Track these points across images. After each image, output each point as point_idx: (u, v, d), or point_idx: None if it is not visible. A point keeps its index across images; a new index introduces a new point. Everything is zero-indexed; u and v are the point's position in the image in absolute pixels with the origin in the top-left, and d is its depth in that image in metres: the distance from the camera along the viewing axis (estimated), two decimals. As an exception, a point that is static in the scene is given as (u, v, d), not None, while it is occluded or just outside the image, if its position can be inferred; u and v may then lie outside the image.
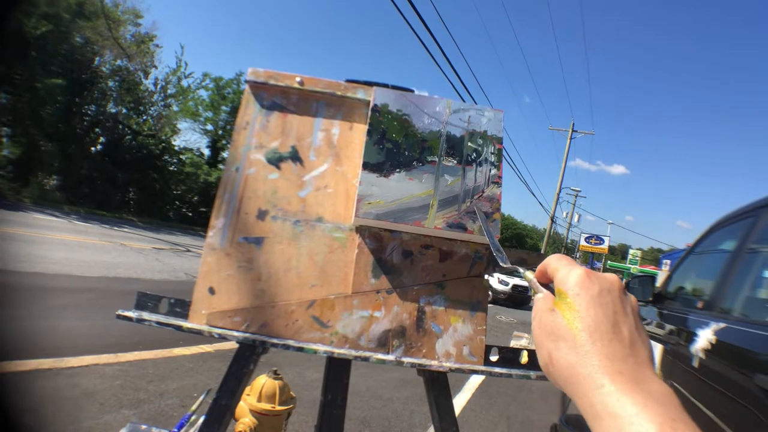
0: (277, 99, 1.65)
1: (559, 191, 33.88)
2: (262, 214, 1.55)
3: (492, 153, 1.61)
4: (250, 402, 2.60)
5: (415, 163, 1.55)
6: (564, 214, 45.90)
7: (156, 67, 27.59)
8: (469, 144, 1.60)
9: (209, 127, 33.00)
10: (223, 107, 32.69)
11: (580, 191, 48.13)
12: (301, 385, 3.28)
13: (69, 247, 10.74)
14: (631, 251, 55.67)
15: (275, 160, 1.60)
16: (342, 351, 1.47)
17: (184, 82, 30.01)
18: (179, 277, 10.24)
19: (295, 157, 1.60)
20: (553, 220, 34.92)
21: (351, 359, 1.50)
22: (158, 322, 1.46)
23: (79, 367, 4.18)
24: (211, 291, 1.49)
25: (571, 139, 32.96)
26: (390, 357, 1.48)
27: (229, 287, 1.49)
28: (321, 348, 1.46)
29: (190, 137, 44.13)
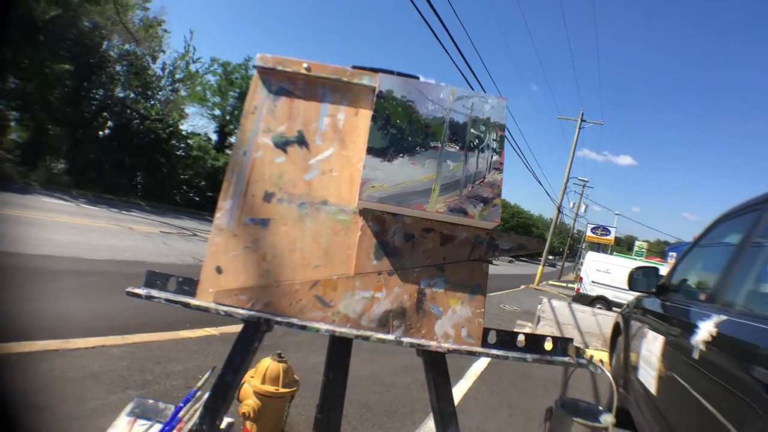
0: (285, 84, 1.68)
1: (567, 181, 33.70)
2: (268, 197, 1.59)
3: (494, 139, 1.64)
4: (254, 384, 2.63)
5: (418, 148, 1.58)
6: (571, 204, 45.69)
7: (164, 51, 27.39)
8: (472, 130, 1.63)
9: (217, 112, 32.97)
10: (231, 92, 32.61)
11: (587, 181, 47.89)
12: (304, 368, 3.31)
13: (77, 231, 10.78)
14: (637, 243, 55.19)
15: (282, 144, 1.63)
16: (343, 330, 1.51)
17: (192, 67, 29.84)
18: (186, 261, 10.27)
19: (301, 141, 1.64)
20: (559, 209, 34.78)
21: (352, 338, 1.54)
22: (167, 299, 1.51)
23: (86, 348, 4.20)
24: (218, 270, 1.54)
25: (579, 128, 32.74)
26: (390, 337, 1.52)
27: (236, 267, 1.54)
28: (323, 327, 1.50)
29: (197, 122, 44.11)
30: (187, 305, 1.49)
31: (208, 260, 1.54)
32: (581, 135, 33.05)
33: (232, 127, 32.76)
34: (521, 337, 1.67)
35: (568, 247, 53.81)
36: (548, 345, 1.69)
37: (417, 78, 1.71)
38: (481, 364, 6.30)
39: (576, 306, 9.76)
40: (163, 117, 27.06)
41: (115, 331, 4.78)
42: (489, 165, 1.61)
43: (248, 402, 2.69)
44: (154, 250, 10.85)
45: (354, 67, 1.71)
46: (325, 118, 1.67)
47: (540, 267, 30.70)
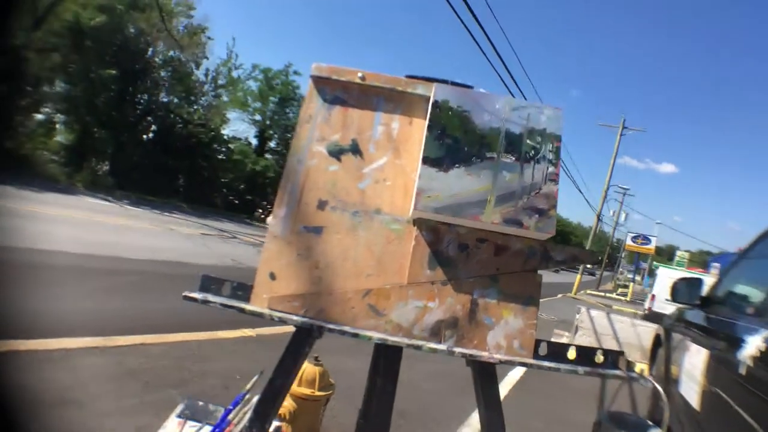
0: (339, 93, 1.70)
1: (607, 188, 33.19)
2: (322, 205, 1.61)
3: (550, 151, 1.63)
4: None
5: (474, 158, 1.57)
6: (611, 212, 44.90)
7: (207, 58, 27.98)
8: (528, 141, 1.62)
9: (257, 117, 33.41)
10: (271, 98, 33.00)
11: (628, 189, 46.95)
12: (339, 372, 3.31)
13: (119, 231, 11.04)
14: (678, 253, 53.84)
15: (336, 153, 1.65)
16: (395, 339, 1.52)
17: (234, 73, 30.40)
18: (225, 263, 10.42)
19: (355, 150, 1.65)
20: (599, 218, 34.28)
21: (403, 347, 1.54)
22: (222, 304, 1.53)
23: (125, 346, 4.27)
24: (272, 276, 1.56)
25: (621, 135, 32.23)
26: (442, 346, 1.52)
27: (289, 273, 1.56)
28: (375, 335, 1.51)
29: (238, 127, 44.66)
30: (242, 310, 1.51)
31: (263, 266, 1.57)
32: (622, 142, 32.47)
33: (271, 131, 33.14)
34: (572, 350, 1.65)
35: (607, 256, 52.85)
36: (599, 358, 1.67)
37: (471, 88, 1.71)
38: (517, 373, 6.23)
39: (615, 316, 9.60)
40: (206, 122, 27.58)
41: (154, 330, 4.85)
42: (545, 176, 1.60)
43: (284, 404, 2.72)
44: (195, 251, 11.02)
45: (408, 77, 1.72)
46: (379, 126, 1.68)
47: (578, 276, 30.29)
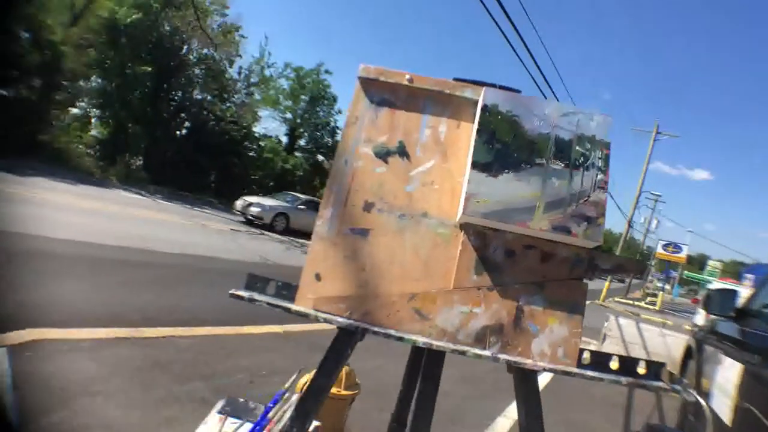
0: (386, 95, 1.70)
1: (639, 195, 32.69)
2: (368, 207, 1.61)
3: (599, 158, 1.60)
4: None
5: (523, 164, 1.56)
6: (642, 219, 44.18)
7: (240, 56, 28.27)
8: (577, 148, 1.60)
9: (288, 115, 33.66)
10: (302, 96, 33.24)
11: (660, 196, 46.18)
12: (364, 372, 3.32)
13: (152, 225, 11.21)
14: (710, 262, 52.71)
15: (383, 155, 1.65)
16: (440, 344, 1.51)
17: (267, 72, 30.74)
18: (254, 259, 10.52)
19: (402, 152, 1.65)
20: (630, 224, 33.78)
21: (447, 352, 1.54)
22: (268, 303, 1.54)
23: (155, 338, 4.34)
24: (318, 277, 1.57)
25: (654, 141, 31.72)
26: (486, 353, 1.51)
27: (335, 275, 1.56)
28: (420, 339, 1.50)
29: (269, 125, 45.20)
30: (288, 310, 1.52)
31: (308, 266, 1.57)
32: (655, 147, 31.92)
33: (301, 130, 33.36)
34: (615, 360, 1.63)
35: (636, 264, 51.69)
36: (641, 369, 1.64)
37: (519, 92, 1.69)
38: (541, 379, 6.17)
39: (643, 325, 9.47)
40: (238, 119, 27.88)
41: (183, 323, 4.93)
42: (594, 184, 1.58)
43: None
44: (224, 246, 11.15)
45: (455, 80, 1.71)
46: (426, 129, 1.67)
47: (606, 283, 29.86)
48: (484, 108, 1.61)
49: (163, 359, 3.94)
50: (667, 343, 8.81)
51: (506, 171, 1.55)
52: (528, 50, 9.15)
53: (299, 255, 13.74)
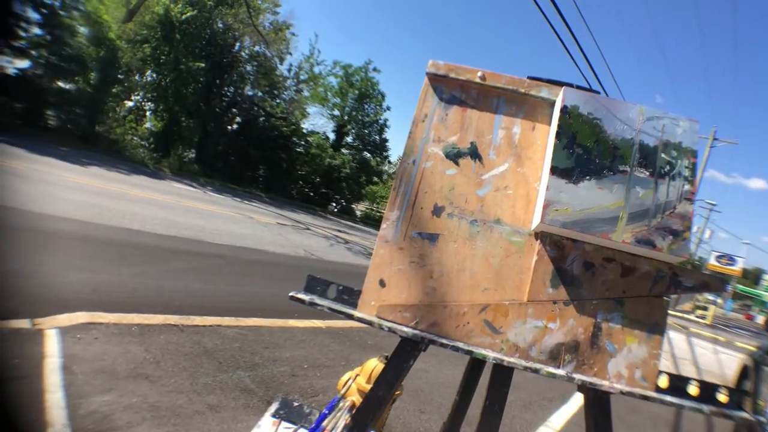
0: (456, 93, 1.61)
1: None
2: (438, 210, 1.52)
3: (686, 167, 1.49)
4: (358, 382, 2.62)
5: (605, 171, 1.45)
6: (695, 228, 42.80)
7: (291, 53, 28.71)
8: (663, 155, 1.48)
9: (336, 112, 33.98)
10: (350, 94, 33.52)
11: (715, 205, 44.64)
12: (409, 373, 3.26)
13: (202, 216, 11.36)
14: (766, 277, 50.68)
15: (453, 156, 1.56)
16: (512, 360, 1.42)
17: (316, 69, 31.10)
18: (299, 253, 10.56)
19: (474, 153, 1.56)
20: (687, 234, 32.65)
21: (519, 369, 1.45)
22: (330, 308, 1.48)
23: (203, 326, 4.38)
24: (382, 283, 1.49)
25: (710, 147, 30.71)
26: (560, 372, 1.41)
27: (400, 281, 1.48)
28: (491, 354, 1.42)
29: (317, 121, 45.74)
30: (350, 317, 1.46)
31: (372, 272, 1.50)
32: (710, 154, 30.89)
33: (349, 127, 33.66)
34: (694, 385, 1.52)
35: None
36: (723, 397, 1.52)
37: (598, 93, 1.59)
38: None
39: (696, 340, 9.16)
40: (287, 115, 28.34)
41: (230, 313, 4.98)
42: (680, 194, 1.46)
43: (351, 398, 2.69)
44: (271, 239, 11.23)
45: (530, 78, 1.61)
46: (499, 130, 1.58)
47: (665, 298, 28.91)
48: (564, 109, 1.51)
49: (210, 347, 3.98)
50: (720, 361, 8.51)
51: (587, 178, 1.44)
52: (578, 45, 8.89)
53: (343, 250, 13.81)
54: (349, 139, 34.35)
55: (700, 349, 8.85)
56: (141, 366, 3.29)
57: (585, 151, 1.46)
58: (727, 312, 50.67)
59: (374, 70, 33.53)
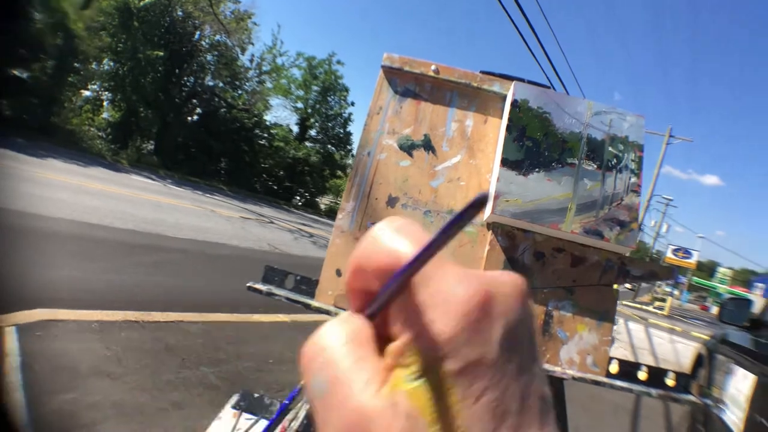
0: (411, 86, 1.63)
1: (650, 198, 32.57)
2: (392, 201, 1.55)
3: (632, 160, 1.54)
4: None
5: (554, 164, 1.49)
6: (652, 223, 43.96)
7: (252, 44, 28.43)
8: (610, 149, 1.53)
9: (299, 104, 33.80)
10: (314, 86, 33.39)
11: (672, 200, 45.90)
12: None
13: (162, 209, 11.21)
14: (720, 269, 52.58)
15: (407, 148, 1.58)
16: None
17: (279, 60, 30.88)
18: (263, 247, 10.51)
19: (427, 146, 1.59)
20: (640, 227, 33.58)
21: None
22: (287, 298, 1.49)
23: (165, 322, 4.35)
24: (339, 273, 1.51)
25: (666, 144, 31.59)
26: None
27: None
28: None
29: (280, 113, 45.46)
30: (308, 306, 1.47)
31: (329, 261, 1.52)
32: (667, 151, 31.81)
33: (312, 120, 33.53)
34: (643, 370, 1.57)
35: (644, 268, 51.57)
36: (670, 381, 1.58)
37: (549, 88, 1.63)
38: (553, 382, 6.13)
39: (652, 330, 9.42)
40: (249, 107, 28.07)
41: (193, 308, 4.94)
42: (627, 186, 1.51)
43: None
44: (234, 233, 11.16)
45: (482, 72, 1.65)
46: (452, 123, 1.61)
47: (615, 286, 29.71)
48: (514, 103, 1.54)
49: (172, 343, 3.95)
50: (676, 350, 8.76)
51: (537, 170, 1.48)
52: (539, 41, 9.00)
53: (307, 244, 13.80)
54: (312, 132, 34.25)
55: (658, 339, 9.12)
56: (103, 363, 3.26)
57: (534, 144, 1.50)
58: (683, 303, 52.26)
59: (338, 62, 33.49)
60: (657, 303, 37.67)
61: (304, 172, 30.59)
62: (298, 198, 32.37)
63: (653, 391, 1.52)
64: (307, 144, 33.24)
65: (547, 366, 1.46)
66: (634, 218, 1.49)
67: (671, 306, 33.81)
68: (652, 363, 8.57)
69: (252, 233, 12.20)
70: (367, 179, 1.56)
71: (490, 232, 1.51)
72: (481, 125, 1.61)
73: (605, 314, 1.51)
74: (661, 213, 46.08)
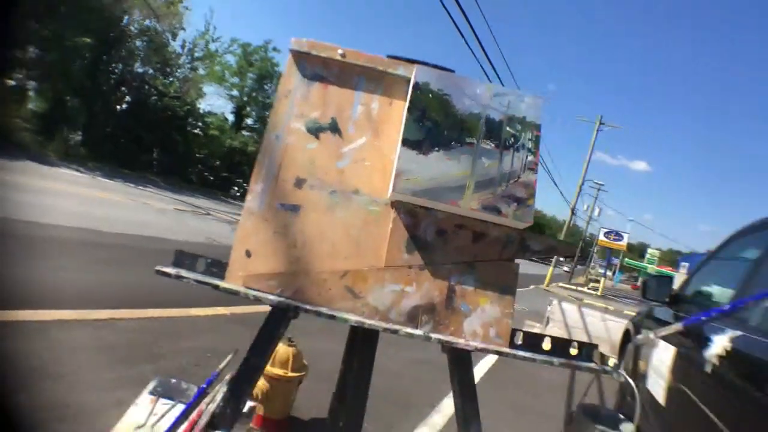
0: (319, 70, 1.66)
1: (582, 183, 33.57)
2: (299, 182, 1.58)
3: (529, 139, 1.61)
4: None
5: (453, 143, 1.55)
6: (585, 207, 45.37)
7: (184, 29, 27.55)
8: (508, 129, 1.60)
9: (234, 92, 33.16)
10: (250, 74, 32.79)
11: (603, 185, 47.48)
12: (312, 354, 3.31)
13: (92, 203, 10.86)
14: (649, 251, 55.06)
15: (315, 130, 1.62)
16: (372, 322, 1.50)
17: (212, 46, 30.12)
18: (199, 240, 10.33)
19: (334, 128, 1.62)
20: (573, 211, 34.61)
21: (380, 331, 1.53)
22: (196, 280, 1.50)
23: (102, 320, 4.23)
24: (248, 254, 1.53)
25: (597, 131, 32.64)
26: (418, 332, 1.51)
27: (266, 251, 1.53)
28: (352, 318, 1.49)
29: (214, 102, 44.44)
30: (216, 287, 1.49)
31: (238, 243, 1.54)
32: (597, 137, 32.86)
33: (249, 108, 32.90)
34: (547, 341, 1.65)
35: (580, 251, 53.63)
36: (574, 350, 1.67)
37: (452, 72, 1.68)
38: (487, 362, 6.29)
39: (586, 309, 9.73)
40: (181, 95, 27.21)
41: (130, 305, 4.83)
42: (524, 165, 1.58)
43: (257, 384, 2.72)
44: (168, 226, 10.92)
45: (389, 57, 1.69)
46: (359, 106, 1.65)
47: (551, 268, 30.70)
48: (416, 86, 1.59)
49: (112, 341, 3.87)
50: (608, 327, 9.07)
51: (436, 149, 1.54)
52: (473, 29, 9.18)
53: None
54: (249, 121, 33.64)
55: (590, 318, 9.41)
56: (44, 365, 3.17)
57: (434, 125, 1.56)
58: (616, 284, 54.37)
59: (274, 49, 33.00)
60: (591, 284, 39.07)
61: (242, 162, 29.98)
62: (236, 189, 31.75)
63: (555, 360, 1.61)
64: (244, 133, 32.65)
65: (451, 338, 1.53)
66: (531, 195, 1.56)
67: (604, 287, 35.09)
68: (586, 340, 8.85)
69: (188, 226, 11.98)
70: (276, 161, 1.59)
71: (393, 210, 1.57)
72: (387, 107, 1.65)
73: (506, 288, 1.59)
74: (593, 198, 47.67)
